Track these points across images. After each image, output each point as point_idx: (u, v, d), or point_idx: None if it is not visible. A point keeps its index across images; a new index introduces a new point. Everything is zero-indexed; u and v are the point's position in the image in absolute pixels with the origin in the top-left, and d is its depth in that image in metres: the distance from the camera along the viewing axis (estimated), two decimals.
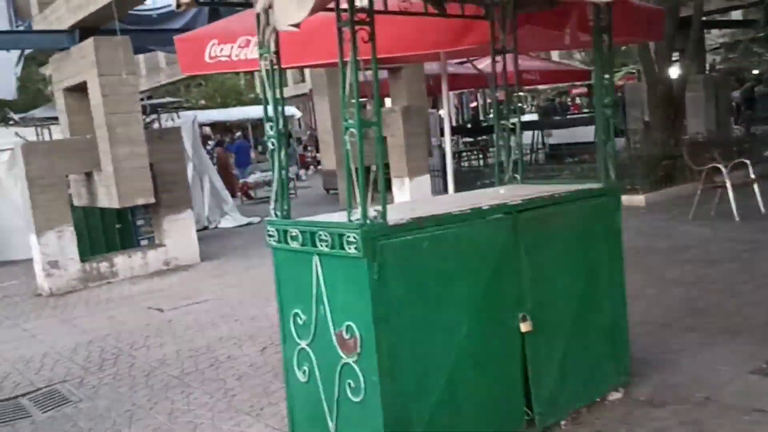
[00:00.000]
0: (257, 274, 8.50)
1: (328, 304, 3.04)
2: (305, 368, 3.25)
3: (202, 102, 28.89)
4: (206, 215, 13.49)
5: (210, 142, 23.15)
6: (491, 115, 25.64)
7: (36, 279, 8.99)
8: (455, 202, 3.63)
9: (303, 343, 3.24)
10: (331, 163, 11.00)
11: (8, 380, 5.47)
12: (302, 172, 24.32)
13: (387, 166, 13.11)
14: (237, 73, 28.77)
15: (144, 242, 10.12)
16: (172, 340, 6.11)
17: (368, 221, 2.84)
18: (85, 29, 8.78)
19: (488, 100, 27.19)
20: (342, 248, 2.88)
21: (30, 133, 11.30)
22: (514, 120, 4.24)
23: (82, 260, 8.90)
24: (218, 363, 5.31)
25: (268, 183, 18.30)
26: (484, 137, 20.32)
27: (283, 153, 3.36)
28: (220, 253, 10.24)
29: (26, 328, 7.17)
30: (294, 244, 3.18)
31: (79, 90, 9.27)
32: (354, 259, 2.84)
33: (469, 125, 23.65)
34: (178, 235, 9.56)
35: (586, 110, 27.97)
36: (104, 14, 8.36)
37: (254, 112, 22.76)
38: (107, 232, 10.49)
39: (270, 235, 3.35)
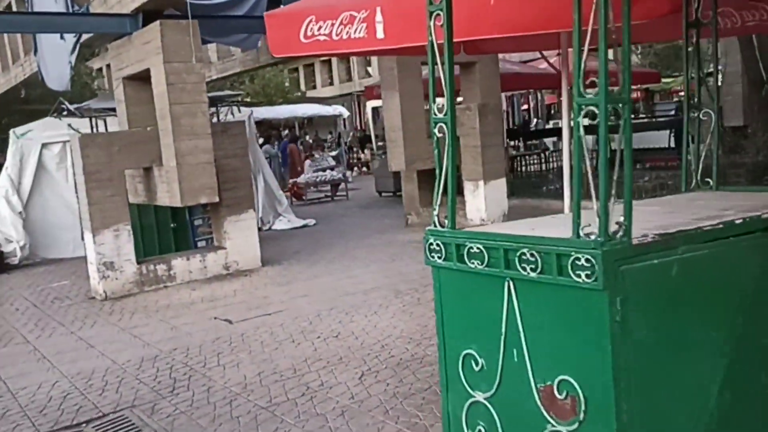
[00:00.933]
0: (327, 283, 7.77)
1: (527, 347, 2.25)
2: (480, 429, 2.45)
3: (247, 99, 28.45)
4: (260, 216, 12.81)
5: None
6: (538, 120, 24.61)
7: (89, 280, 8.37)
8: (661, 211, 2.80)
9: (479, 396, 2.45)
10: (399, 163, 10.19)
11: (69, 402, 4.79)
12: (348, 173, 23.61)
13: (457, 168, 12.34)
14: (282, 70, 28.21)
15: (201, 244, 9.44)
16: (248, 358, 5.38)
17: (609, 238, 2.03)
18: (149, 13, 8.14)
19: (548, 102, 26.14)
20: (561, 274, 2.08)
21: (84, 126, 10.73)
22: (706, 111, 3.40)
23: (138, 262, 8.25)
24: (311, 391, 4.55)
25: (319, 183, 17.62)
26: (534, 141, 19.46)
27: (452, 145, 2.58)
28: (280, 258, 9.52)
29: (82, 336, 6.51)
30: (474, 264, 2.39)
31: (140, 79, 8.65)
32: (583, 290, 2.04)
33: (532, 127, 22.64)
34: (240, 237, 8.86)
35: (642, 115, 26.82)
36: None
37: (302, 110, 22.13)
38: (161, 232, 9.85)
39: (433, 250, 2.57)
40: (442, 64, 2.51)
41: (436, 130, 2.57)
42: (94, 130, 10.40)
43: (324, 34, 4.76)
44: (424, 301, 6.46)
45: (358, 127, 27.22)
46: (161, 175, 8.10)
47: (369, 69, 27.80)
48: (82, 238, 11.71)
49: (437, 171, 2.60)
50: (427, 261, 2.61)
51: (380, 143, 27.84)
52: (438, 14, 2.48)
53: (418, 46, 3.21)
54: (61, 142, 11.32)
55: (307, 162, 18.96)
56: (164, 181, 8.06)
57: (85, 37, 9.91)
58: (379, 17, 4.38)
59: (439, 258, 2.54)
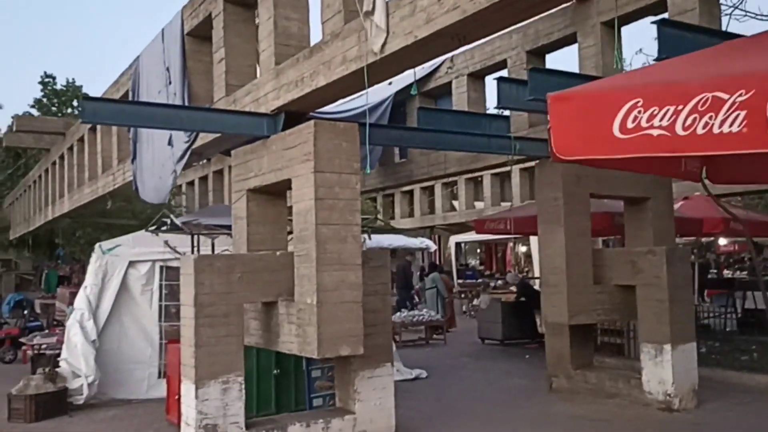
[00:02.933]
0: None
1: None
2: None
3: None
4: None
5: None
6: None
7: None
8: None
9: None
10: (559, 313, 8.20)
11: None
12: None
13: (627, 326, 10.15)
14: (374, 198, 27.07)
15: (317, 402, 7.42)
16: None
17: None
18: (292, 115, 6.70)
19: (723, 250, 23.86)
20: None
21: (182, 244, 9.19)
22: None
23: (247, 426, 6.27)
24: None
25: (415, 324, 15.58)
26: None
27: None
28: (413, 428, 7.40)
29: None
30: None
31: (268, 193, 7.09)
32: None
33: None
34: (373, 399, 6.85)
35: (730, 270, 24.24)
36: (324, 95, 6.25)
37: (388, 240, 20.52)
38: (260, 380, 7.92)
39: None
40: None
41: None
42: (196, 251, 8.80)
43: (661, 127, 3.00)
44: None
45: (438, 263, 25.40)
46: (290, 314, 6.29)
47: (455, 203, 26.40)
48: (159, 376, 9.92)
49: None
50: None
51: (459, 280, 26.00)
52: None
53: None
54: (150, 261, 9.76)
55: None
56: (293, 322, 6.22)
57: (198, 142, 8.56)
58: None
59: None
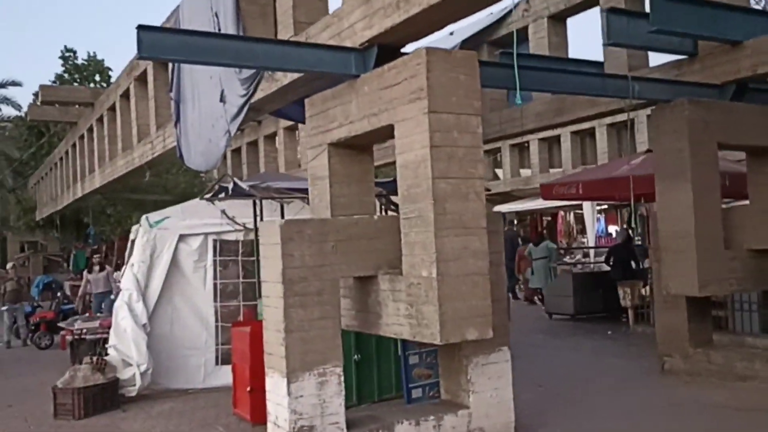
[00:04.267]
0: None
1: None
2: None
3: None
4: None
5: None
6: None
7: None
8: None
9: None
10: (687, 283, 6.98)
11: None
12: None
13: None
14: None
15: (416, 393, 6.27)
16: None
17: None
18: (386, 49, 5.47)
19: None
20: None
21: (242, 214, 8.06)
22: None
23: (348, 425, 5.16)
24: None
25: None
26: None
27: None
28: (534, 421, 6.27)
29: None
30: None
31: (353, 147, 5.91)
32: None
33: None
34: (488, 390, 5.72)
35: None
36: (434, 17, 5.01)
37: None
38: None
39: None
40: None
41: None
42: (258, 220, 7.65)
43: None
44: None
45: (541, 231, 24.05)
46: (396, 291, 5.13)
47: (498, 171, 25.07)
48: (216, 363, 8.87)
49: None
50: None
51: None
52: None
53: None
54: (202, 234, 8.65)
55: None
56: (401, 300, 5.07)
57: (258, 94, 7.39)
58: None
59: None
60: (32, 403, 8.15)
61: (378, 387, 7.04)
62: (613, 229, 21.22)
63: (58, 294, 15.09)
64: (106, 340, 11.16)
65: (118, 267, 19.33)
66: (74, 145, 18.32)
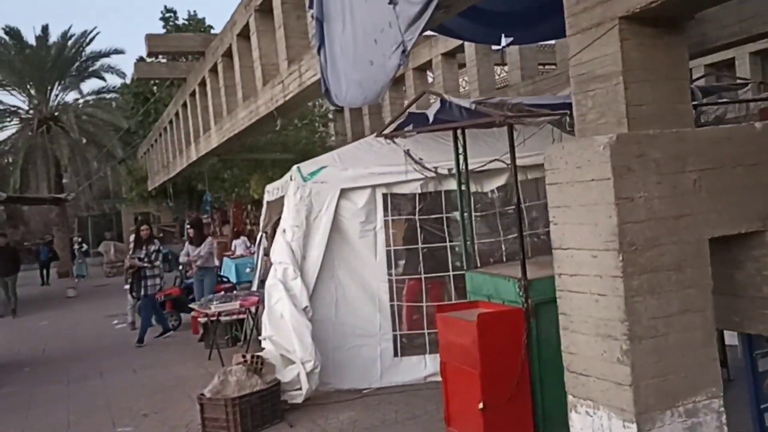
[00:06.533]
0: None
1: None
2: None
3: None
4: None
5: None
6: None
7: None
8: None
9: None
10: None
11: None
12: None
13: None
14: None
15: None
16: None
17: None
18: None
19: None
20: None
21: (429, 155, 5.90)
22: None
23: None
24: None
25: None
26: None
27: None
28: None
29: None
30: None
31: (657, 23, 3.54)
32: None
33: None
34: None
35: None
36: None
37: None
38: None
39: None
40: None
41: None
42: (460, 167, 5.40)
43: None
44: None
45: None
46: None
47: None
48: (396, 354, 6.87)
49: None
50: None
51: None
52: None
53: None
54: (369, 188, 6.57)
55: None
56: None
57: None
58: None
59: None
60: (172, 411, 6.43)
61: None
62: None
63: (180, 268, 13.57)
64: (242, 321, 9.52)
65: (237, 235, 17.91)
66: (185, 105, 16.73)
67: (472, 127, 5.08)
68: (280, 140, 17.08)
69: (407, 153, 5.90)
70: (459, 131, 5.08)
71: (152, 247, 10.56)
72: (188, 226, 11.34)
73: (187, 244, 11.05)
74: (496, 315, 4.66)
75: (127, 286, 11.16)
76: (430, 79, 13.46)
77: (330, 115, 18.86)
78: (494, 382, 4.53)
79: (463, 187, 5.39)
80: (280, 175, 13.54)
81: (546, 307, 4.71)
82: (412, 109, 5.87)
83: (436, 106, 5.11)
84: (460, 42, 11.23)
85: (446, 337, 5.00)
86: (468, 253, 5.32)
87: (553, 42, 10.50)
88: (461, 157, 5.19)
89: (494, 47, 9.37)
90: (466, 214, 5.27)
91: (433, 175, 6.10)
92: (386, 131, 5.68)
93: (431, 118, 5.13)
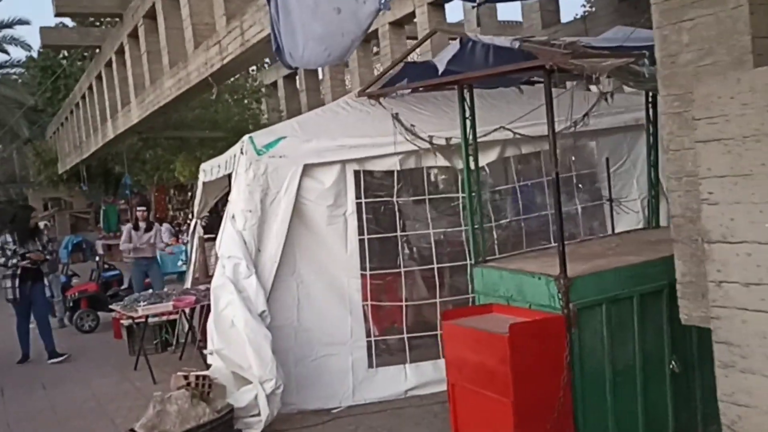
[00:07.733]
0: None
1: None
2: None
3: None
4: None
5: None
6: None
7: None
8: None
9: None
10: None
11: None
12: None
13: None
14: None
15: None
16: None
17: None
18: None
19: None
20: None
21: (422, 122, 4.76)
22: None
23: None
24: None
25: None
26: None
27: None
28: None
29: None
30: None
31: None
32: None
33: None
34: None
35: None
36: None
37: None
38: (649, 381, 3.79)
39: None
40: None
41: None
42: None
43: None
44: None
45: None
46: None
47: None
48: (371, 365, 5.71)
49: None
50: None
51: None
52: None
53: None
54: (339, 163, 5.36)
55: None
56: None
57: None
58: None
59: None
60: None
61: (702, 411, 3.98)
62: None
63: (96, 259, 11.93)
64: (172, 323, 8.17)
65: (159, 222, 16.23)
66: (99, 77, 14.94)
67: (500, 76, 3.95)
68: (209, 117, 15.52)
69: (395, 117, 4.72)
70: (465, 88, 3.95)
71: (45, 238, 8.95)
72: (142, 209, 9.85)
73: (130, 229, 9.58)
74: (532, 325, 3.58)
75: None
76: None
77: (263, 90, 17.41)
78: (530, 413, 3.47)
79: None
80: (208, 155, 12.07)
81: (588, 314, 3.70)
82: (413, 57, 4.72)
83: (452, 50, 3.97)
84: None
85: (457, 352, 3.88)
86: (476, 243, 4.22)
87: None
88: (468, 123, 4.07)
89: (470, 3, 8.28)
90: (474, 194, 4.16)
91: (427, 146, 4.95)
92: (372, 89, 4.48)
93: (442, 68, 3.98)
